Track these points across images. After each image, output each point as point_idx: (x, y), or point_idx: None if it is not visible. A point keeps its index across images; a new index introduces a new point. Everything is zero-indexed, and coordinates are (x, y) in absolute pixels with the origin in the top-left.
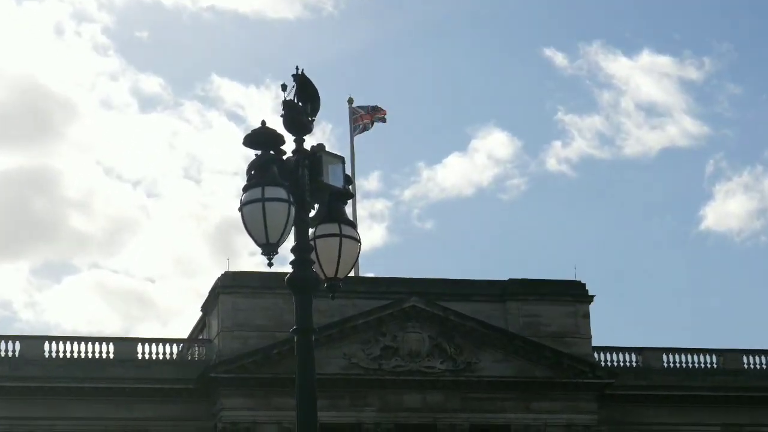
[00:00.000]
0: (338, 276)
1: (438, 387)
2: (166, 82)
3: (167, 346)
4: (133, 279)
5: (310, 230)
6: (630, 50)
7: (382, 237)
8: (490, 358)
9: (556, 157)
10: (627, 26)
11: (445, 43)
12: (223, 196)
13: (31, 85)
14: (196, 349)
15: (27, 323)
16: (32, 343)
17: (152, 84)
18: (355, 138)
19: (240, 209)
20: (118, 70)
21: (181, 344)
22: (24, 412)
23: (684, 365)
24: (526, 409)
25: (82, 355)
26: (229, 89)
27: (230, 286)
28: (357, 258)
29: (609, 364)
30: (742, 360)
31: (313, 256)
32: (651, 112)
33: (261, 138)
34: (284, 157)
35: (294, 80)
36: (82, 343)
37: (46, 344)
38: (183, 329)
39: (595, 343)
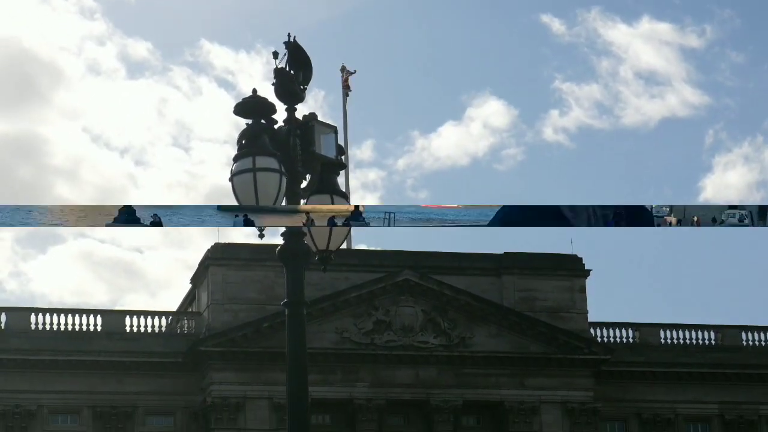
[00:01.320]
0: (330, 248)
1: (431, 362)
2: (154, 46)
3: (156, 319)
4: (120, 249)
5: (302, 201)
6: (629, 17)
7: None
8: (485, 333)
9: (553, 127)
10: None
11: (440, 8)
12: (213, 165)
13: (16, 50)
14: (186, 322)
15: (12, 293)
16: (18, 314)
17: (140, 49)
18: (348, 106)
19: (231, 179)
20: (105, 34)
21: (170, 317)
22: (10, 385)
23: (682, 341)
24: (520, 385)
25: (69, 328)
26: (218, 55)
27: (220, 258)
28: (349, 230)
29: (605, 340)
30: (741, 337)
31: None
32: (650, 80)
33: (252, 107)
34: (276, 127)
35: (286, 48)
36: (69, 315)
37: (33, 316)
38: (172, 301)
39: (591, 318)
